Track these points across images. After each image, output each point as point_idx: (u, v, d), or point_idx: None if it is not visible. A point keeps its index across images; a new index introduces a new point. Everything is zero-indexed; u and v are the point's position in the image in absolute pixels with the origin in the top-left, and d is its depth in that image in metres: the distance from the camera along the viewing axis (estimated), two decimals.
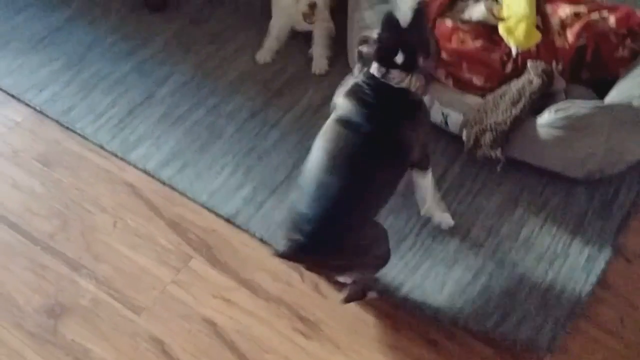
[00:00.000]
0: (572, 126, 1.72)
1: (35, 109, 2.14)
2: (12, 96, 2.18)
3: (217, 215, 1.85)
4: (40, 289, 1.73)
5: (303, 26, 2.21)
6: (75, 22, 2.38)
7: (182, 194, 1.90)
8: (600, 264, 1.68)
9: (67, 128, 2.09)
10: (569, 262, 1.70)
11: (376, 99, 1.51)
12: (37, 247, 1.82)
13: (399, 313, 1.66)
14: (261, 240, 1.79)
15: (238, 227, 1.82)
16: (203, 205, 1.87)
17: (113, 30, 2.36)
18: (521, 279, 1.68)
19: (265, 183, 1.90)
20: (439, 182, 1.85)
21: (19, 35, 2.35)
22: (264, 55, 2.22)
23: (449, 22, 2.00)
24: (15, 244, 1.82)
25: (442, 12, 2.07)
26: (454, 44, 1.96)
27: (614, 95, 1.79)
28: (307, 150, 1.91)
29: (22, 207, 1.91)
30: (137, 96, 2.15)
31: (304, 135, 1.98)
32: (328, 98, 2.04)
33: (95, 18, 2.39)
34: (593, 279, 1.66)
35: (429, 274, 1.70)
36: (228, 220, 1.84)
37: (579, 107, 1.72)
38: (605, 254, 1.71)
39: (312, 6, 2.11)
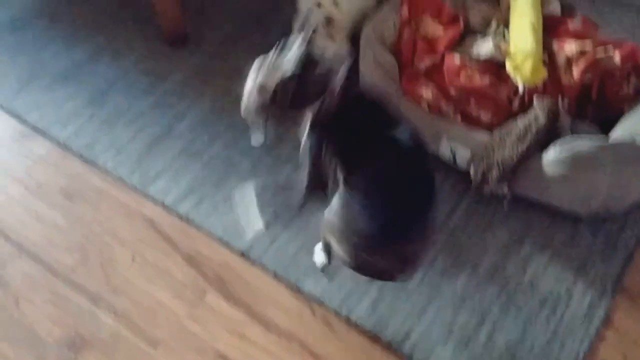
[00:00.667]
0: (576, 163, 1.73)
1: (59, 143, 2.20)
2: (38, 130, 2.24)
3: (232, 249, 1.89)
4: (61, 321, 1.78)
5: None
6: (98, 58, 2.44)
7: (199, 227, 1.95)
8: (604, 303, 1.69)
9: (89, 162, 2.14)
10: (573, 304, 1.71)
11: None
12: (59, 280, 1.87)
13: None
14: (274, 274, 1.82)
15: (252, 261, 1.86)
16: (218, 239, 1.91)
17: (135, 65, 2.42)
18: (524, 327, 1.70)
19: (278, 218, 1.94)
20: (446, 217, 1.87)
21: (45, 71, 2.42)
22: None
23: (457, 59, 2.03)
24: (37, 277, 1.87)
25: (452, 48, 2.11)
26: (462, 80, 1.98)
27: (618, 132, 1.80)
28: None
29: (44, 240, 1.96)
30: (156, 130, 2.20)
31: None
32: None
33: (118, 53, 2.45)
34: (597, 322, 1.67)
35: (436, 319, 1.71)
36: (242, 255, 1.88)
37: (582, 143, 1.74)
38: (609, 291, 1.71)
39: (329, 21, 1.94)
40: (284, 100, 1.48)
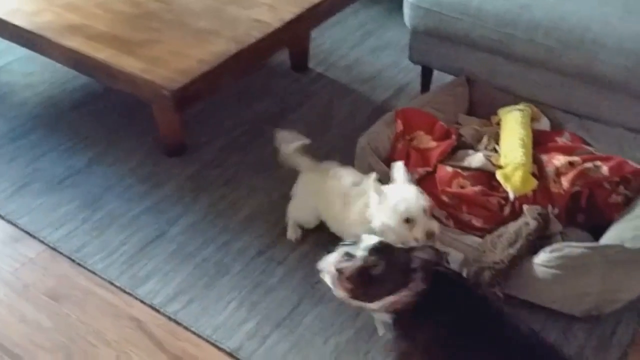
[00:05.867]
0: (566, 266, 1.87)
1: (49, 246, 2.33)
2: (28, 233, 2.37)
3: (220, 349, 1.97)
4: None
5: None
6: (95, 165, 2.64)
7: (187, 328, 2.04)
8: None
9: (79, 264, 2.26)
10: None
11: None
12: None
13: None
14: None
15: None
16: (207, 340, 2.00)
17: (131, 172, 2.60)
18: None
19: (269, 318, 2.04)
20: None
21: (41, 177, 2.59)
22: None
23: (449, 168, 2.22)
24: None
25: (443, 160, 2.30)
26: (454, 188, 2.16)
27: (608, 237, 1.96)
28: (312, 286, 2.09)
29: (26, 341, 2.03)
30: (148, 234, 2.35)
31: (309, 272, 2.15)
32: (334, 236, 2.23)
33: (115, 161, 2.65)
34: None
35: None
36: (231, 355, 1.95)
37: (573, 247, 1.89)
38: None
39: (430, 235, 1.91)
40: (362, 288, 1.56)
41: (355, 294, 1.58)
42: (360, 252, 1.55)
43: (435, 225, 1.92)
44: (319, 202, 2.19)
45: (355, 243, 1.62)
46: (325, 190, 2.16)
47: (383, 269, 1.50)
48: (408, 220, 1.90)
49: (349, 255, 1.56)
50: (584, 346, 1.90)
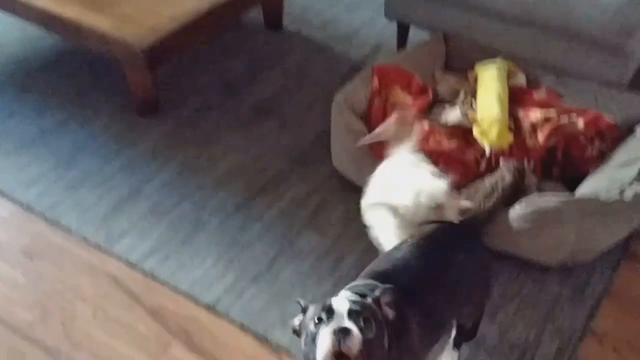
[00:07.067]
0: (541, 217, 1.90)
1: (22, 205, 2.31)
2: (1, 193, 2.36)
3: (198, 303, 1.99)
4: None
5: None
6: (67, 124, 2.61)
7: (164, 283, 2.05)
8: (572, 347, 1.82)
9: (53, 222, 2.25)
10: (542, 349, 1.83)
11: None
12: (16, 336, 1.93)
13: None
14: (241, 326, 1.92)
15: (218, 314, 1.96)
16: (184, 294, 2.01)
17: (104, 131, 2.59)
18: None
19: (246, 272, 2.06)
20: None
21: (11, 137, 2.57)
22: None
23: (426, 125, 2.23)
24: None
25: (420, 116, 2.32)
26: (431, 144, 2.18)
27: (583, 190, 1.99)
28: (289, 242, 2.11)
29: (3, 298, 2.04)
30: (124, 192, 2.34)
31: (286, 228, 2.17)
32: (311, 192, 2.25)
33: (87, 120, 2.63)
34: None
35: None
36: (208, 308, 1.97)
37: (547, 199, 1.92)
38: (577, 336, 1.85)
39: (465, 212, 1.81)
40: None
41: None
42: (346, 323, 1.31)
43: (466, 202, 1.81)
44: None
45: (308, 308, 1.40)
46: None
47: (375, 328, 1.34)
48: (436, 207, 1.77)
49: (343, 333, 1.29)
50: (558, 295, 1.95)
